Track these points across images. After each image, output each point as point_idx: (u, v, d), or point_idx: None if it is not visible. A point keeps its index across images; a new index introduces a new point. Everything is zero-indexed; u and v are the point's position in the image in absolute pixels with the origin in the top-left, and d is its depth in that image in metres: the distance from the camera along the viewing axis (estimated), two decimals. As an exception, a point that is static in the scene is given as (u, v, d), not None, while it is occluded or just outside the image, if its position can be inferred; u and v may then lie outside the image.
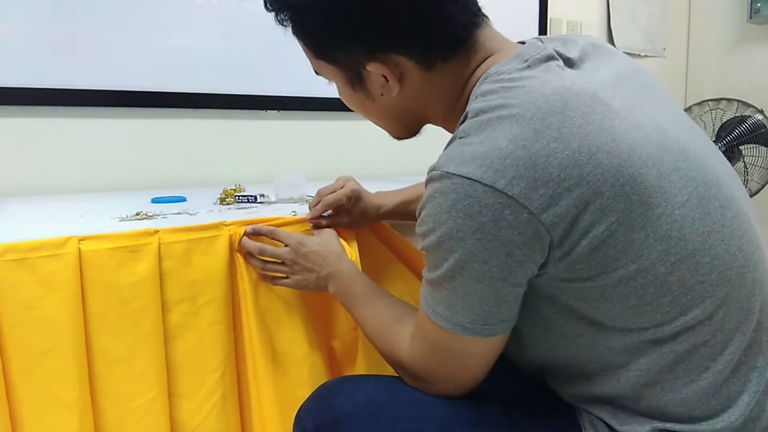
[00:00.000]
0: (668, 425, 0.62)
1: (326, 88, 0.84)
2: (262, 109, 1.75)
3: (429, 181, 0.60)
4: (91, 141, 1.51)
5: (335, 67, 0.72)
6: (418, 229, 0.62)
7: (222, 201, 1.15)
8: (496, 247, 0.56)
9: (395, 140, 0.84)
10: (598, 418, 0.67)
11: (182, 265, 0.87)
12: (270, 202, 1.14)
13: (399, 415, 0.69)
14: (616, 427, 0.65)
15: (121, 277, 0.83)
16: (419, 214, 0.62)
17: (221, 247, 0.90)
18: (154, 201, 1.17)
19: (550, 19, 2.33)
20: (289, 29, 0.71)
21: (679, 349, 0.60)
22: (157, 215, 0.98)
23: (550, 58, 0.64)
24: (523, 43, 0.70)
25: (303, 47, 0.73)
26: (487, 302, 0.60)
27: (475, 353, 0.65)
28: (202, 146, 1.66)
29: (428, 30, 0.65)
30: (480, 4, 0.70)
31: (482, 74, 0.65)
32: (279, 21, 0.70)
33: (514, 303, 0.62)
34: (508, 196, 0.55)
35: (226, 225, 0.92)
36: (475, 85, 0.66)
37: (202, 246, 0.89)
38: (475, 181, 0.55)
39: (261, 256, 0.90)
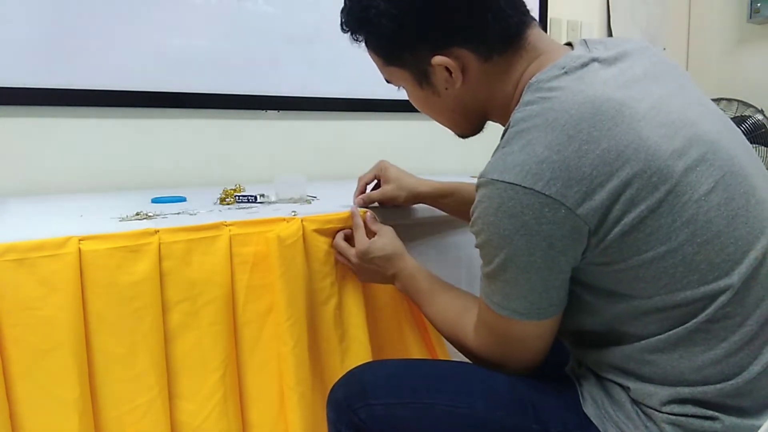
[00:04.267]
0: (685, 390, 0.67)
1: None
2: (262, 109, 1.75)
3: (477, 187, 0.69)
4: (91, 141, 1.51)
5: (404, 70, 0.82)
6: (471, 230, 0.71)
7: (222, 201, 1.15)
8: (538, 241, 0.64)
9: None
10: (615, 383, 0.72)
11: (182, 265, 0.87)
12: (270, 202, 1.14)
13: (416, 387, 0.78)
14: (636, 392, 0.69)
15: (121, 277, 0.83)
16: (472, 215, 0.70)
17: (221, 247, 0.90)
18: (154, 201, 1.17)
19: (550, 19, 2.33)
20: (363, 45, 0.84)
21: (702, 320, 0.65)
22: (157, 215, 0.98)
23: (588, 62, 0.70)
24: (569, 44, 0.78)
25: (374, 57, 0.85)
26: (536, 289, 0.68)
27: (533, 335, 0.73)
28: (202, 146, 1.66)
29: (484, 24, 0.73)
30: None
31: (531, 76, 0.72)
32: (354, 39, 0.83)
33: (561, 288, 0.69)
34: (546, 195, 0.62)
35: (226, 225, 0.92)
36: (525, 86, 0.72)
37: (202, 246, 0.89)
38: (516, 185, 0.63)
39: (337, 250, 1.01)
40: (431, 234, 1.21)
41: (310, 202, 1.13)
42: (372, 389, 0.79)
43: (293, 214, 0.98)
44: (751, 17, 2.46)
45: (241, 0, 1.67)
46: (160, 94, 1.57)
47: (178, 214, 1.01)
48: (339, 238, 1.00)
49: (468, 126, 0.88)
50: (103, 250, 0.82)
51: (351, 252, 0.98)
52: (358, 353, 1.01)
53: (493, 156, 0.71)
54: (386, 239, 0.98)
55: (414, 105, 0.89)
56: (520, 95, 0.72)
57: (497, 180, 0.65)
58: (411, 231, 1.11)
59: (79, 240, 0.81)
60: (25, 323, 0.78)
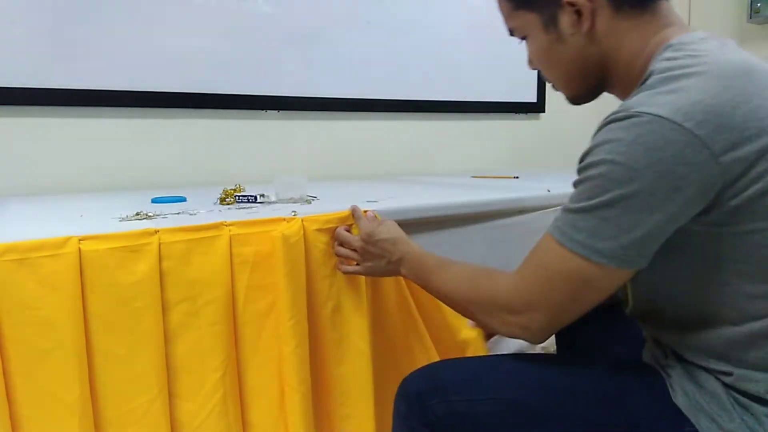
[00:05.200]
0: None
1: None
2: (262, 109, 1.75)
3: (610, 122, 0.65)
4: (92, 141, 1.51)
5: (533, 13, 0.79)
6: (582, 164, 0.67)
7: (222, 201, 1.15)
8: (667, 181, 0.61)
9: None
10: (710, 371, 0.69)
11: (182, 265, 0.87)
12: (270, 202, 1.14)
13: (498, 383, 0.77)
14: (738, 379, 0.67)
15: (121, 277, 0.82)
16: (589, 149, 0.67)
17: (221, 247, 0.90)
18: (154, 201, 1.17)
19: (550, 19, 2.33)
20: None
21: None
22: (157, 215, 0.98)
23: (719, 38, 0.70)
24: None
25: (503, 4, 0.83)
26: (637, 232, 0.64)
27: (596, 285, 0.68)
28: (202, 146, 1.66)
29: None
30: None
31: (663, 42, 0.71)
32: None
33: (658, 241, 0.65)
34: (694, 135, 0.60)
35: (226, 225, 0.92)
36: (655, 51, 0.71)
37: (202, 246, 0.89)
38: (664, 118, 0.61)
39: (338, 241, 0.99)
40: (438, 231, 1.20)
41: (310, 202, 1.13)
42: (452, 385, 0.78)
43: (293, 214, 0.98)
44: (751, 17, 2.46)
45: (241, 0, 1.67)
46: (160, 94, 1.57)
47: (178, 214, 1.01)
48: (340, 229, 0.99)
49: (583, 85, 0.83)
50: (103, 250, 0.82)
51: (354, 238, 0.97)
52: (355, 361, 1.00)
53: (628, 99, 0.68)
54: (390, 226, 0.96)
55: (534, 58, 0.85)
56: (650, 56, 0.71)
57: (643, 112, 0.62)
58: (411, 228, 1.11)
59: (79, 240, 0.81)
60: (25, 323, 0.77)
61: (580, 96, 0.84)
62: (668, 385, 0.72)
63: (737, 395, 0.67)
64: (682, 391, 0.70)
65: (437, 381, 0.79)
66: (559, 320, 0.72)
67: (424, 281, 0.90)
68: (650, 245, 0.65)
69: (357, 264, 0.98)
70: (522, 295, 0.73)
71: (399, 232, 0.95)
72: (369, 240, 0.94)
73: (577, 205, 0.67)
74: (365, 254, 0.96)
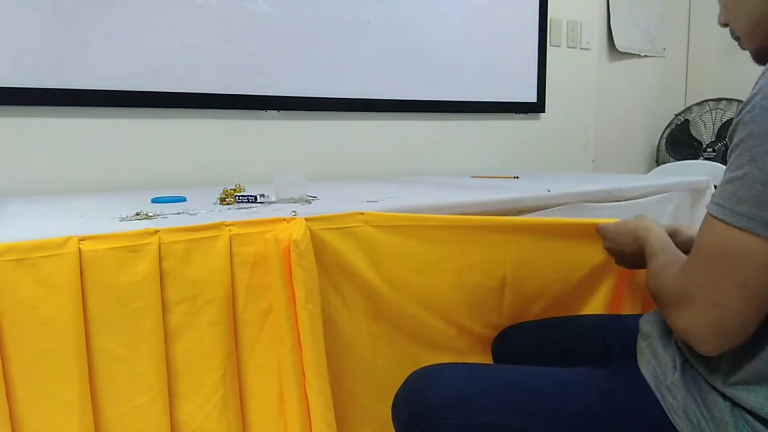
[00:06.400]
0: None
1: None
2: (262, 109, 1.75)
3: None
4: (91, 141, 1.51)
5: None
6: (739, 118, 0.60)
7: (222, 201, 1.15)
8: None
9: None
10: (740, 407, 0.63)
11: (182, 265, 0.87)
12: (270, 202, 1.14)
13: (485, 406, 0.74)
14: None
15: (121, 277, 0.82)
16: (746, 102, 0.60)
17: (221, 247, 0.90)
18: (154, 201, 1.17)
19: (550, 19, 2.33)
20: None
21: None
22: (157, 215, 0.98)
23: None
24: None
25: None
26: None
27: (761, 262, 0.57)
28: (202, 146, 1.66)
29: None
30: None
31: None
32: None
33: None
34: None
35: (226, 225, 0.92)
36: None
37: (202, 246, 0.89)
38: None
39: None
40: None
41: (310, 202, 1.13)
42: (439, 409, 0.75)
43: (293, 214, 0.98)
44: (751, 17, 2.46)
45: (241, 0, 1.67)
46: (160, 94, 1.57)
47: (178, 214, 1.01)
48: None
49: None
50: (103, 250, 0.82)
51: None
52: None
53: None
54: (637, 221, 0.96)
55: (724, 8, 0.78)
56: None
57: None
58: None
59: (79, 240, 0.81)
60: (25, 323, 0.77)
61: (763, 50, 0.76)
62: (668, 409, 0.69)
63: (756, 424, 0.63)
64: (687, 419, 0.67)
65: (423, 404, 0.77)
66: (723, 316, 0.60)
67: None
68: None
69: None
70: (680, 285, 0.65)
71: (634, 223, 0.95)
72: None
73: (734, 174, 0.58)
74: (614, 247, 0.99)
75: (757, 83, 0.61)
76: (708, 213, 0.62)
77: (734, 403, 0.64)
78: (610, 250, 1.02)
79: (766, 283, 0.58)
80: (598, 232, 1.04)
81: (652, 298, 0.75)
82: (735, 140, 0.60)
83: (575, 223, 1.09)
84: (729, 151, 0.61)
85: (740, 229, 0.58)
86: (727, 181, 0.60)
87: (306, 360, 0.92)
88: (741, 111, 0.61)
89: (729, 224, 0.59)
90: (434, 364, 0.87)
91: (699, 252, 0.63)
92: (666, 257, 0.78)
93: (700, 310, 0.62)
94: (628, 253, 0.95)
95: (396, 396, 0.83)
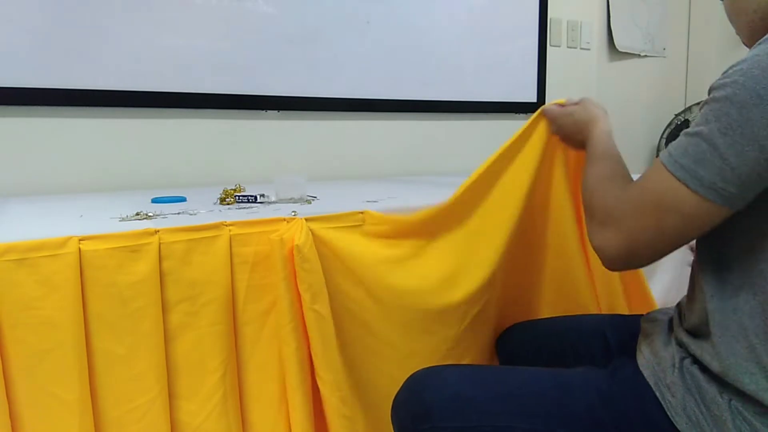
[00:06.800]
0: None
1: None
2: (262, 109, 1.75)
3: (763, 42, 0.61)
4: (91, 141, 1.51)
5: None
6: (714, 84, 0.63)
7: (222, 201, 1.15)
8: None
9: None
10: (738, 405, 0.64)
11: (182, 265, 0.87)
12: (270, 202, 1.14)
13: (484, 408, 0.74)
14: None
15: (121, 277, 0.83)
16: (727, 69, 0.62)
17: (221, 247, 0.90)
18: (154, 201, 1.17)
19: (550, 19, 2.33)
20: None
21: None
22: (157, 215, 0.98)
23: None
24: None
25: None
26: (744, 168, 0.59)
27: (685, 213, 0.64)
28: (202, 146, 1.66)
29: None
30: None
31: None
32: None
33: (760, 184, 0.61)
34: None
35: (226, 225, 0.92)
36: None
37: (202, 246, 0.89)
38: None
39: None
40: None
41: (310, 202, 1.13)
42: (437, 411, 0.76)
43: (293, 214, 0.98)
44: (751, 17, 2.46)
45: (241, 0, 1.67)
46: (160, 94, 1.57)
47: (178, 214, 1.01)
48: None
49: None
50: (103, 250, 0.82)
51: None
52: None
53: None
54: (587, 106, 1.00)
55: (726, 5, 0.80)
56: None
57: None
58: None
59: (79, 240, 0.81)
60: (25, 323, 0.77)
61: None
62: (668, 407, 0.69)
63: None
64: (686, 417, 0.67)
65: (422, 407, 0.77)
66: (635, 247, 0.68)
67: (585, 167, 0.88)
68: (753, 188, 0.61)
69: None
70: (613, 208, 0.71)
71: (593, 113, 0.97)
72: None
73: (693, 129, 0.63)
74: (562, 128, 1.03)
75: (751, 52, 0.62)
76: (658, 157, 0.67)
77: (732, 400, 0.65)
78: (557, 134, 1.06)
79: (680, 230, 0.65)
80: (543, 114, 1.07)
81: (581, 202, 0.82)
82: (708, 96, 0.63)
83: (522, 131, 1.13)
84: (701, 104, 0.65)
85: (678, 179, 0.63)
86: (685, 134, 0.65)
87: (316, 358, 0.93)
88: (724, 73, 0.62)
89: (670, 173, 0.64)
90: (433, 366, 0.87)
91: (639, 188, 0.69)
92: (605, 170, 0.82)
93: (620, 236, 0.69)
94: (574, 140, 1.01)
95: (395, 398, 0.83)
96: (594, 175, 0.82)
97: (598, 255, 0.72)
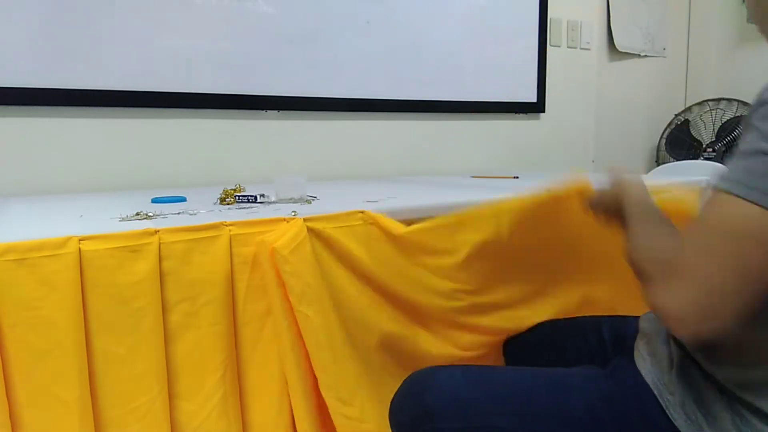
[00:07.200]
0: None
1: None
2: (262, 109, 1.75)
3: None
4: (91, 141, 1.51)
5: None
6: (764, 95, 0.57)
7: (222, 201, 1.15)
8: None
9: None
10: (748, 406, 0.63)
11: (182, 265, 0.87)
12: (270, 202, 1.14)
13: (483, 408, 0.74)
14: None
15: (121, 277, 0.82)
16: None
17: (221, 247, 0.90)
18: (154, 201, 1.17)
19: (550, 19, 2.33)
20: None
21: None
22: (157, 215, 0.98)
23: None
24: None
25: None
26: None
27: (761, 238, 0.54)
28: (202, 146, 1.66)
29: None
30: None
31: None
32: None
33: None
34: None
35: (226, 225, 0.92)
36: None
37: (202, 246, 0.89)
38: None
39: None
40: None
41: (310, 202, 1.13)
42: (438, 412, 0.75)
43: (293, 214, 0.98)
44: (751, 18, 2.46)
45: (241, 0, 1.67)
46: (160, 94, 1.57)
47: (178, 214, 1.01)
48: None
49: None
50: (103, 250, 0.82)
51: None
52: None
53: None
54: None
55: (749, 6, 0.76)
56: None
57: None
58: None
59: (79, 240, 0.81)
60: (25, 323, 0.77)
61: None
62: (667, 409, 0.69)
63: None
64: (685, 416, 0.67)
65: (423, 408, 0.77)
66: (709, 299, 0.56)
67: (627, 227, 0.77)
68: None
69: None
70: (675, 257, 0.59)
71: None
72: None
73: (749, 148, 0.56)
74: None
75: None
76: (717, 188, 0.58)
77: (731, 398, 0.65)
78: (594, 208, 0.93)
79: (763, 262, 0.54)
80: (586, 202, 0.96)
81: (630, 266, 0.70)
82: (759, 111, 0.57)
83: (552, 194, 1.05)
84: (747, 123, 0.58)
85: (748, 200, 0.54)
86: (740, 155, 0.57)
87: (310, 359, 0.93)
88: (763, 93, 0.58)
89: (736, 196, 0.55)
90: (431, 367, 0.87)
91: (701, 227, 0.59)
92: (653, 224, 0.72)
93: (692, 287, 0.56)
94: (612, 207, 0.85)
95: (393, 400, 0.82)
96: (642, 233, 0.72)
97: (665, 319, 0.59)
